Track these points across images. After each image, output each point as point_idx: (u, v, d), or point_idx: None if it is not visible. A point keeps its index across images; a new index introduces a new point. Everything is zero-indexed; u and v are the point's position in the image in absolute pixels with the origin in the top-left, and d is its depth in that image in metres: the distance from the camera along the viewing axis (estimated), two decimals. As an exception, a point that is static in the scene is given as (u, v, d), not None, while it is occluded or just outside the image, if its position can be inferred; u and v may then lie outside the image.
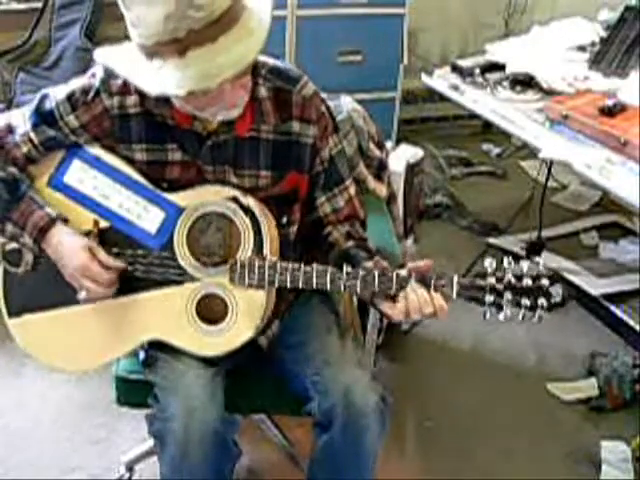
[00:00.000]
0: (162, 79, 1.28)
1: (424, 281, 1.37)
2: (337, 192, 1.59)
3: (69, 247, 1.45)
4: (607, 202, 3.44)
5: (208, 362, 1.48)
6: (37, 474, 2.03)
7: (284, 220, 1.55)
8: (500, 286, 1.36)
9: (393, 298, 1.39)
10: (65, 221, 1.48)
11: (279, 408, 1.74)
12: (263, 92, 1.48)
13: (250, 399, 1.65)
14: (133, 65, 1.33)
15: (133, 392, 1.63)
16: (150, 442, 1.95)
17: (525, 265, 1.37)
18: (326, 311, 1.62)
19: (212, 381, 1.47)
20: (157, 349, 1.51)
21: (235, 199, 1.44)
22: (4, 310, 1.56)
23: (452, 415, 2.31)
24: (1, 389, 2.31)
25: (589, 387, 2.41)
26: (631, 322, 2.64)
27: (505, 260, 1.38)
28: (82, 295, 1.46)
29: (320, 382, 1.48)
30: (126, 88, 1.46)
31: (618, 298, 2.77)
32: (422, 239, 3.11)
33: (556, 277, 1.36)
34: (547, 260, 3.19)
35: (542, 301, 1.35)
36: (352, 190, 1.61)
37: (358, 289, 1.40)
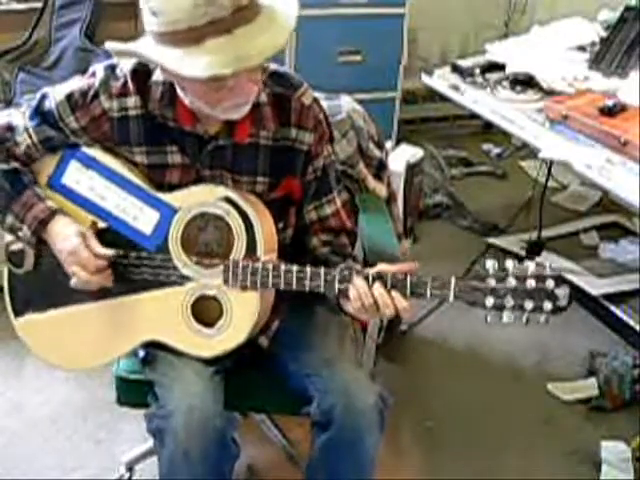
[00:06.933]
0: (194, 63, 1.25)
1: (383, 280, 1.34)
2: (325, 202, 1.58)
3: (64, 233, 1.46)
4: (607, 202, 3.44)
5: (207, 360, 1.47)
6: (37, 474, 2.03)
7: (280, 225, 1.55)
8: (501, 288, 1.30)
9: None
10: (65, 215, 1.48)
11: (279, 408, 1.74)
12: (263, 97, 1.47)
13: (250, 398, 1.65)
14: (158, 53, 1.29)
15: (133, 392, 1.63)
16: (150, 442, 1.95)
17: (530, 266, 1.29)
18: (326, 310, 1.61)
19: (211, 379, 1.47)
20: (157, 347, 1.51)
21: (228, 199, 1.43)
22: (10, 310, 1.57)
23: (452, 415, 2.31)
24: (1, 389, 2.31)
25: (589, 387, 2.41)
26: (631, 322, 2.64)
27: (508, 261, 1.31)
28: (73, 281, 1.46)
29: (319, 382, 1.48)
30: (126, 89, 1.45)
31: (618, 298, 2.77)
32: (422, 239, 3.12)
33: (562, 279, 1.28)
34: (547, 260, 3.18)
35: (547, 304, 1.28)
36: (339, 201, 1.60)
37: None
